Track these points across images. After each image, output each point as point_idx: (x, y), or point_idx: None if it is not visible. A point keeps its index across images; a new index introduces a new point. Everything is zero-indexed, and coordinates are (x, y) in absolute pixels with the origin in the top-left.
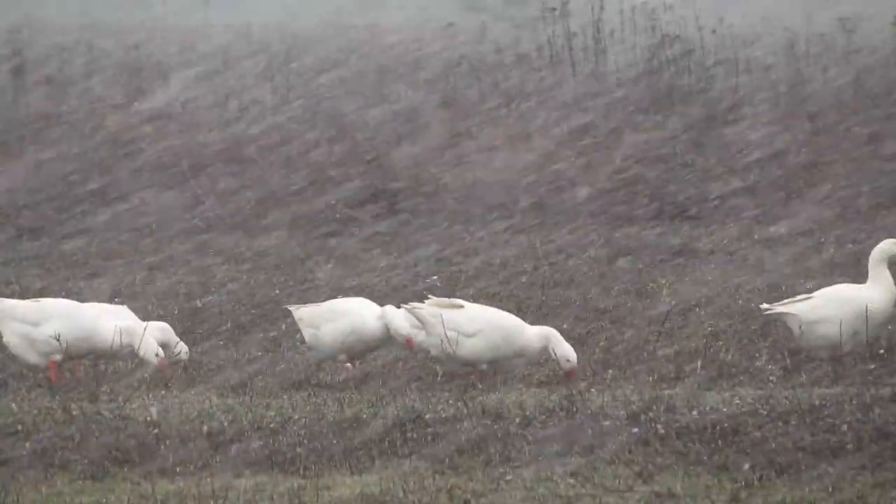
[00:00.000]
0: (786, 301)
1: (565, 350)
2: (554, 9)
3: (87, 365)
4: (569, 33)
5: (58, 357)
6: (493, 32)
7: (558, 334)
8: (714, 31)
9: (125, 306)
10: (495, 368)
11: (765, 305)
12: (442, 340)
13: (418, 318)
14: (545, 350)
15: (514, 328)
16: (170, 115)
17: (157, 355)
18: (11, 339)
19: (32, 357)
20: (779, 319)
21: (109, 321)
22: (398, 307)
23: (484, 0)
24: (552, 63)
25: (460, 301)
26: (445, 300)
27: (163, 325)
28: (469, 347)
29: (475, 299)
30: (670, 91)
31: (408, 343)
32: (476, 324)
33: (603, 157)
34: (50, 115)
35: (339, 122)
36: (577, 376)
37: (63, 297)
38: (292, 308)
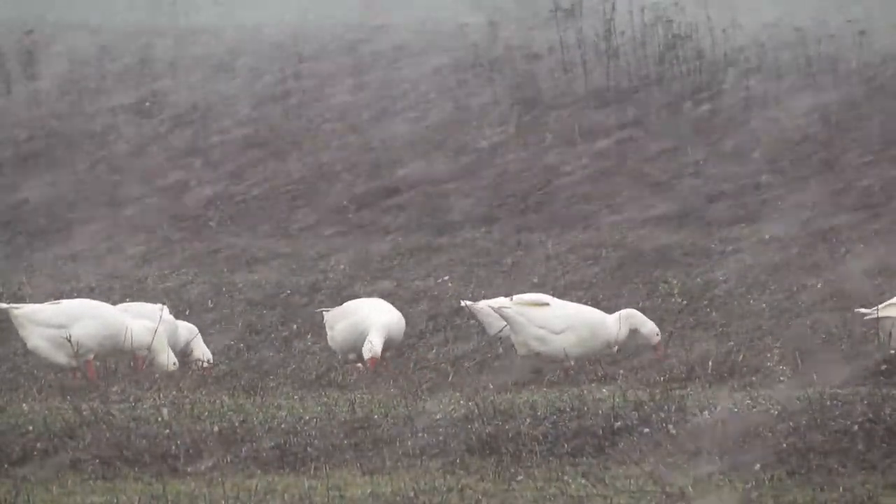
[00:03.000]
0: (889, 303)
1: (651, 325)
2: (561, 10)
3: (98, 366)
4: (581, 34)
5: (91, 356)
6: (505, 33)
7: (637, 312)
8: (724, 31)
9: (162, 305)
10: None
11: (863, 310)
12: (531, 339)
13: (505, 318)
14: (632, 333)
15: (600, 322)
16: (181, 116)
17: (173, 363)
18: (39, 344)
19: (62, 359)
20: (876, 323)
21: (133, 320)
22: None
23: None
24: (564, 64)
25: (546, 298)
26: (530, 297)
27: (190, 327)
28: (558, 344)
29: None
30: (681, 91)
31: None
32: (565, 321)
33: (614, 158)
34: (62, 116)
35: (350, 123)
36: (663, 349)
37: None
38: (325, 312)
